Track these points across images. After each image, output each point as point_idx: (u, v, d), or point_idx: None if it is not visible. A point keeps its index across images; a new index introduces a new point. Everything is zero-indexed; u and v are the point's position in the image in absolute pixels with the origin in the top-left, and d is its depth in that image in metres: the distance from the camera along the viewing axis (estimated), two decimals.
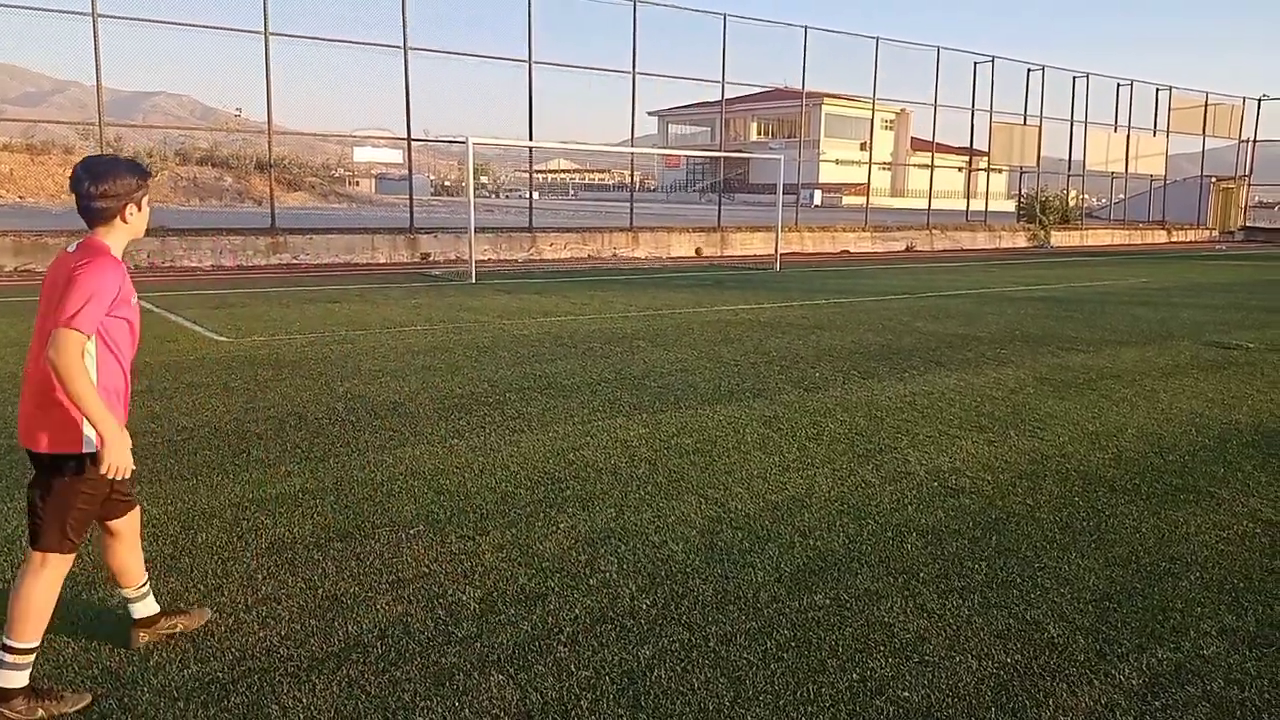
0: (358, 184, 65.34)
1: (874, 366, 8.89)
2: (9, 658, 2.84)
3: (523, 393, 7.46)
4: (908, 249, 29.87)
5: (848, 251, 28.18)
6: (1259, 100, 42.28)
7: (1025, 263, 25.64)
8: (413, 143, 21.71)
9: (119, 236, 2.93)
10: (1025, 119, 33.76)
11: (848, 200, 53.72)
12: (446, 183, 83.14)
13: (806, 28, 26.75)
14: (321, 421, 6.44)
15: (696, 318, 12.24)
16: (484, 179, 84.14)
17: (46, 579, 2.90)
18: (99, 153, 19.36)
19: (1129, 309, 14.28)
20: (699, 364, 8.87)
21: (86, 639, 3.30)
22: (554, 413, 6.82)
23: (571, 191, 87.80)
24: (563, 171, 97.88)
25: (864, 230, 29.48)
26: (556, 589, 3.81)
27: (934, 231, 31.14)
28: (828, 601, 3.74)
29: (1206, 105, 40.64)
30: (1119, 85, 37.24)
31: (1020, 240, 33.90)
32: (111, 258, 2.86)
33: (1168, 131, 39.44)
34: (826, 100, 57.36)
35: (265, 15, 18.63)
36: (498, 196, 76.57)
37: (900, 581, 3.94)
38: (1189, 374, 8.83)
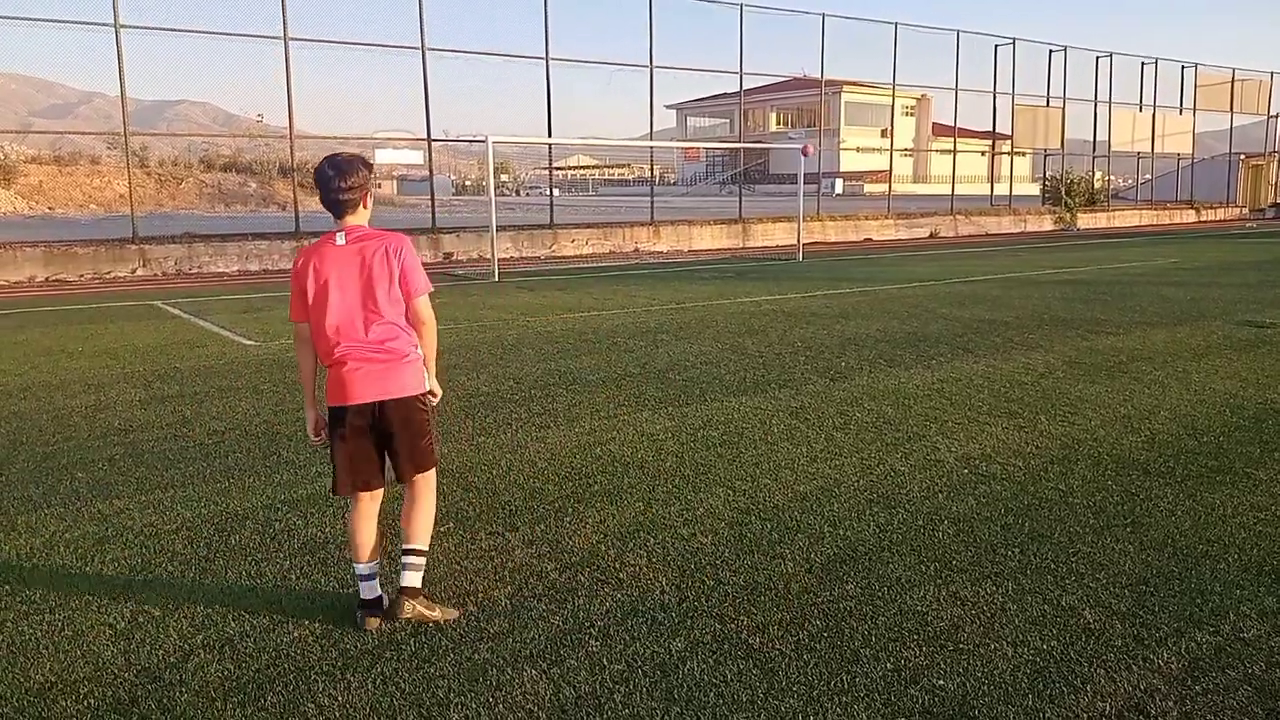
0: (380, 186, 65.72)
1: (900, 354, 8.83)
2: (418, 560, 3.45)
3: (548, 389, 7.47)
4: (932, 235, 29.63)
5: (871, 239, 28.00)
6: None
7: (1052, 246, 25.36)
8: (433, 143, 21.78)
9: (363, 220, 3.35)
10: (1048, 101, 33.36)
11: (870, 188, 53.39)
12: (467, 182, 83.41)
13: (824, 15, 26.54)
14: None
15: (720, 310, 12.21)
16: (504, 177, 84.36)
17: (434, 489, 3.56)
18: (127, 163, 19.60)
19: (1158, 289, 14.09)
20: (723, 356, 8.85)
21: (125, 641, 3.35)
22: (579, 408, 6.83)
23: (592, 187, 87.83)
24: (582, 168, 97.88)
25: (887, 218, 29.27)
26: (587, 583, 3.82)
27: (958, 217, 30.87)
28: (859, 591, 3.72)
29: (1234, 81, 39.94)
30: (1143, 64, 36.71)
31: (1046, 224, 33.53)
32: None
33: (1194, 109, 38.83)
34: (846, 88, 56.94)
35: (284, 20, 18.75)
36: (519, 194, 76.73)
37: (933, 570, 3.91)
38: (1222, 354, 8.70)
